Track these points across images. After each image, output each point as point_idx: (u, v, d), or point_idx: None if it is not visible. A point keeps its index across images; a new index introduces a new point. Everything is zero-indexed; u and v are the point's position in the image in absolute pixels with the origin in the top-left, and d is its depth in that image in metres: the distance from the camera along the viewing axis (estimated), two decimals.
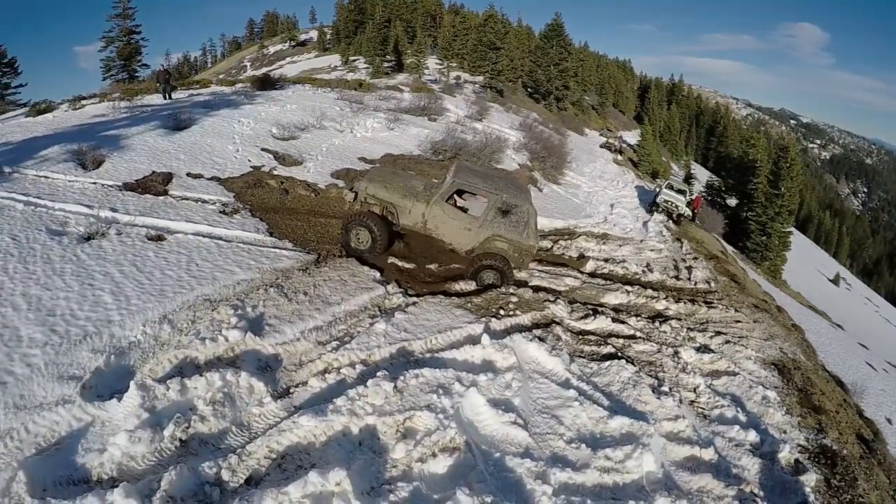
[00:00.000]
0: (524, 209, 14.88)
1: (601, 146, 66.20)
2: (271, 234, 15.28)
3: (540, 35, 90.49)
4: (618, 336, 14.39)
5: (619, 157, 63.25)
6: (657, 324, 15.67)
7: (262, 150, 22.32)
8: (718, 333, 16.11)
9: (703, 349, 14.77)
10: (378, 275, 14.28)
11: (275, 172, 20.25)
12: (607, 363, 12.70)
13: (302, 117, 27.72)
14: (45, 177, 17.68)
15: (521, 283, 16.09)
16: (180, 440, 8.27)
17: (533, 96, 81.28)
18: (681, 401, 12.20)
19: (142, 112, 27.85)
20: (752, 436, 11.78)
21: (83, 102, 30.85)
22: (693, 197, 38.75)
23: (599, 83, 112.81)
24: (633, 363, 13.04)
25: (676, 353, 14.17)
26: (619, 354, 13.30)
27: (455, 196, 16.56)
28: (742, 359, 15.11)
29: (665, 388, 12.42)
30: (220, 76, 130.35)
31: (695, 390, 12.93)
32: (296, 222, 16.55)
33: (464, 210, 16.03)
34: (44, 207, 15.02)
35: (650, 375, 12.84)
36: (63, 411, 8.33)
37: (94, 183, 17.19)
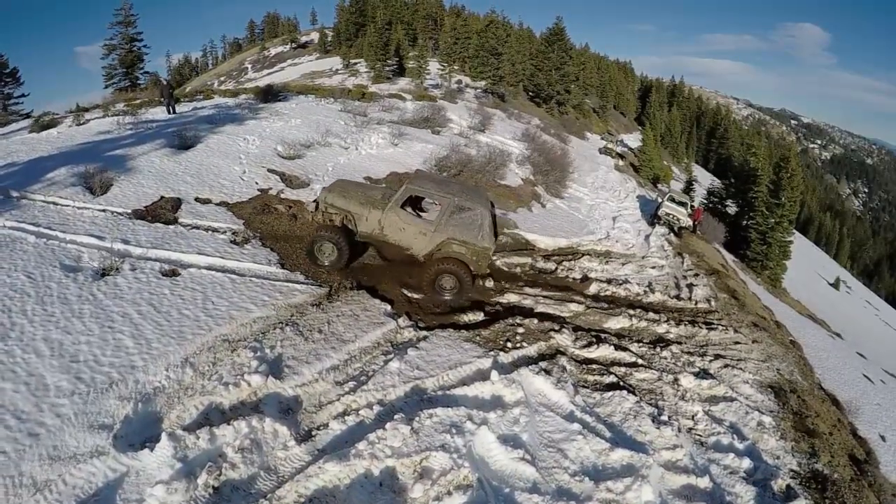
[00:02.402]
0: (478, 212, 15.15)
1: (601, 151, 66.00)
2: (283, 266, 15.42)
3: (541, 38, 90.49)
4: (620, 364, 14.69)
5: (621, 163, 63.31)
6: (658, 349, 15.99)
7: (269, 171, 22.34)
8: (718, 357, 16.40)
9: (703, 374, 15.07)
10: (389, 307, 14.51)
11: (282, 196, 20.33)
12: (610, 393, 13.04)
13: (307, 134, 27.75)
14: (54, 203, 17.75)
15: (528, 312, 16.29)
16: (213, 488, 8.55)
17: (534, 100, 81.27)
18: (679, 429, 12.52)
19: (146, 128, 27.86)
20: (747, 463, 12.15)
21: (87, 117, 30.85)
22: (694, 209, 38.84)
23: (601, 85, 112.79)
24: (634, 392, 13.37)
25: (676, 379, 14.49)
26: (622, 384, 13.62)
27: (414, 206, 16.97)
28: (740, 383, 15.43)
29: (664, 417, 12.77)
30: (221, 77, 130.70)
31: (693, 417, 13.27)
32: (302, 249, 16.52)
33: (420, 216, 16.34)
34: (55, 240, 15.09)
35: (650, 404, 13.18)
36: (98, 463, 8.53)
37: (104, 210, 17.28)
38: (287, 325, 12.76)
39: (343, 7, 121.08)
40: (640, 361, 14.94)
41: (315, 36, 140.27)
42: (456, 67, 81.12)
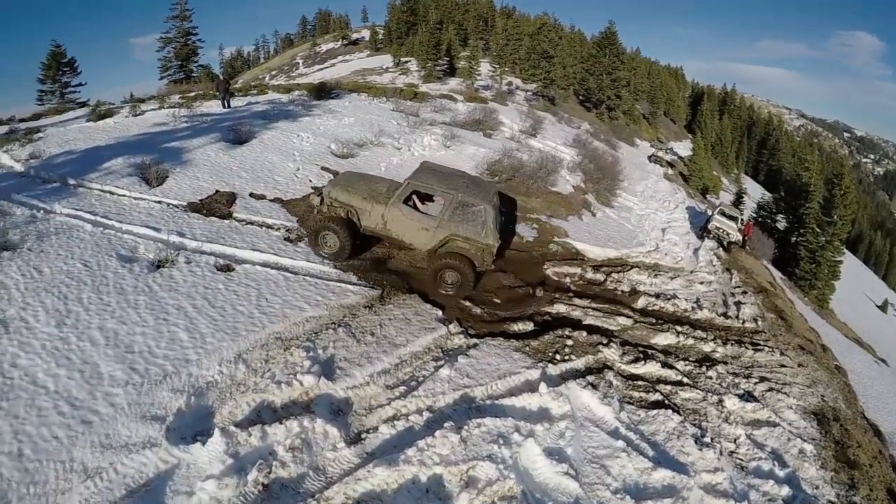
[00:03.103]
0: (481, 208, 15.08)
1: (650, 159, 65.07)
2: (335, 266, 15.46)
3: (593, 42, 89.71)
4: (666, 382, 14.45)
5: (670, 172, 62.40)
6: (704, 368, 15.64)
7: (323, 168, 22.37)
8: (763, 380, 16.04)
9: (747, 397, 14.73)
10: (440, 313, 14.47)
11: None
12: (654, 411, 12.86)
13: (360, 133, 27.77)
14: (111, 192, 17.99)
15: (577, 324, 16.10)
16: (263, 485, 8.69)
17: (584, 104, 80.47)
18: (721, 452, 12.30)
19: (202, 122, 28.17)
20: (786, 491, 11.90)
21: (143, 108, 31.22)
22: (745, 223, 38.08)
23: (651, 91, 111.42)
24: (678, 412, 13.14)
25: (720, 401, 14.19)
26: (667, 402, 13.40)
27: (424, 199, 17.22)
28: (784, 408, 15.05)
29: (707, 439, 12.53)
30: (273, 72, 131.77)
31: (735, 441, 13.00)
32: (361, 250, 16.58)
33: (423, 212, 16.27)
34: (112, 229, 15.37)
35: (694, 425, 12.95)
36: (150, 454, 8.71)
37: (160, 202, 17.51)
38: (339, 325, 12.82)
39: (394, 5, 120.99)
40: (685, 380, 14.69)
41: (366, 33, 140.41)
42: (507, 69, 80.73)
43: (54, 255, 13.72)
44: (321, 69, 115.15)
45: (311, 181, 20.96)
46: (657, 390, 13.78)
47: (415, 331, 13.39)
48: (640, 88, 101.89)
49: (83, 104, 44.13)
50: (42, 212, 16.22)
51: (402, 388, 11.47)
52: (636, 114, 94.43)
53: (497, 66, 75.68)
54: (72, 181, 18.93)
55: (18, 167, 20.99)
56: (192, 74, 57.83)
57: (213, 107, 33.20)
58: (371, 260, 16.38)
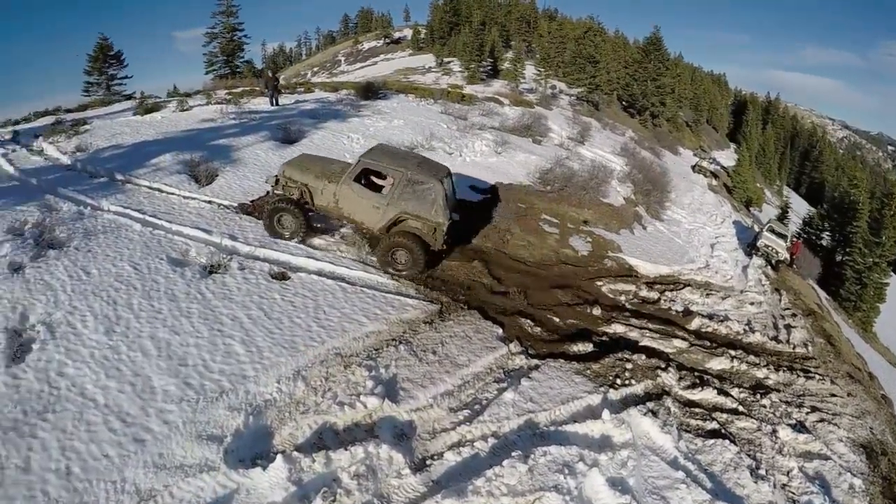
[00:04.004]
0: (430, 186, 14.96)
1: (693, 168, 63.91)
2: (392, 276, 15.02)
3: (637, 47, 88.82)
4: (721, 409, 13.96)
5: (714, 183, 61.30)
6: (758, 396, 15.22)
7: None
8: (814, 409, 15.54)
9: (799, 427, 14.32)
10: (500, 331, 13.95)
11: None
12: (711, 441, 12.40)
13: (411, 136, 27.33)
14: (159, 190, 17.80)
15: (633, 345, 15.63)
16: None
17: (627, 110, 79.68)
18: (774, 485, 11.89)
19: (250, 119, 28.01)
20: None
21: (190, 103, 30.97)
22: (793, 241, 37.03)
23: (694, 98, 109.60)
24: (735, 442, 12.71)
25: (774, 431, 13.73)
26: (723, 431, 12.97)
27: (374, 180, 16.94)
28: (834, 440, 14.55)
29: (762, 471, 12.13)
30: (315, 68, 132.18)
31: (788, 473, 12.60)
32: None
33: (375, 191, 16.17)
34: (161, 230, 15.07)
35: (749, 455, 12.51)
36: (208, 478, 8.31)
37: (210, 202, 17.25)
38: (400, 342, 12.33)
39: (437, 5, 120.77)
40: (740, 408, 14.22)
41: (408, 32, 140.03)
42: (551, 72, 80.00)
43: (102, 256, 13.40)
44: (363, 67, 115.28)
45: None
46: (713, 418, 13.35)
47: (476, 350, 12.86)
48: (683, 95, 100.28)
49: (129, 97, 44.43)
50: (89, 208, 16.00)
51: (466, 412, 11.01)
52: (679, 121, 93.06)
53: (542, 70, 75.05)
54: (119, 177, 18.68)
55: (65, 160, 20.88)
56: (238, 70, 58.02)
57: (261, 104, 33.04)
58: (428, 273, 15.85)
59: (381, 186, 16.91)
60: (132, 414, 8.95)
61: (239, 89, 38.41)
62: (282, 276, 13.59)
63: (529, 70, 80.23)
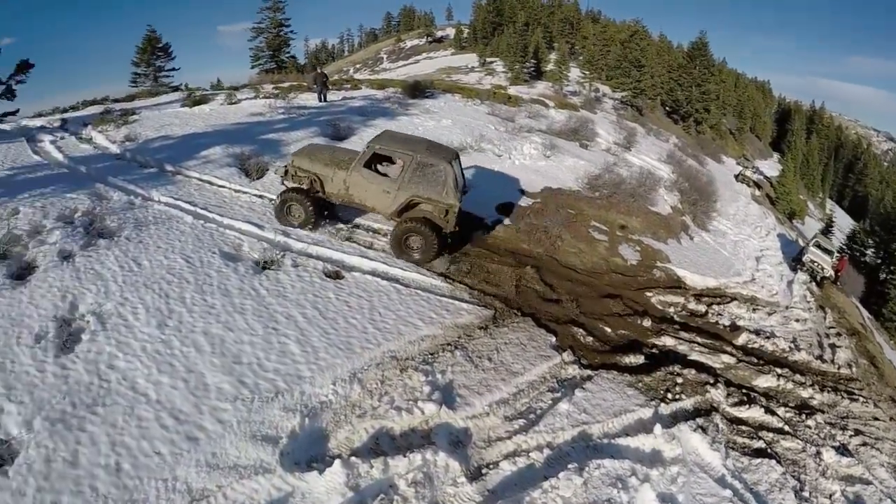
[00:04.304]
0: (441, 168, 14.91)
1: (737, 178, 62.87)
2: (447, 279, 14.77)
3: (682, 53, 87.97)
4: (768, 428, 13.60)
5: (757, 193, 60.33)
6: (803, 416, 14.82)
7: None
8: (858, 433, 15.07)
9: (842, 450, 13.90)
10: (553, 339, 13.67)
11: None
12: (758, 460, 12.06)
13: (460, 136, 27.06)
14: (210, 182, 17.77)
15: (682, 359, 15.33)
16: None
17: (671, 116, 78.90)
18: None
19: (299, 114, 28.00)
20: None
21: (238, 97, 31.11)
22: (838, 258, 36.19)
23: (738, 105, 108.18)
24: (780, 462, 12.40)
25: (818, 453, 13.34)
26: (769, 451, 12.65)
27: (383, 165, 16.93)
28: (876, 465, 14.06)
29: (805, 493, 11.80)
30: (357, 65, 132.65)
31: (830, 497, 12.22)
32: (468, 265, 15.99)
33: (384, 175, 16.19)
34: (213, 223, 15.03)
35: (794, 477, 12.17)
36: (263, 480, 8.12)
37: (261, 196, 17.17)
38: (456, 348, 12.08)
39: (480, 5, 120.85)
40: (786, 428, 13.89)
41: (451, 31, 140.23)
42: (595, 75, 79.41)
43: (154, 248, 13.37)
44: (405, 65, 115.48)
45: None
46: (760, 437, 13.03)
47: (531, 358, 12.57)
48: (727, 102, 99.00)
49: (175, 88, 45.09)
50: (140, 199, 16.07)
51: (521, 421, 10.76)
52: (723, 129, 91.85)
53: (587, 73, 74.54)
54: (169, 168, 18.68)
55: (114, 149, 21.06)
56: (283, 65, 58.44)
57: (309, 100, 33.13)
58: (481, 278, 15.60)
59: (389, 170, 16.86)
60: (185, 411, 8.77)
61: (286, 84, 38.62)
62: (336, 275, 13.41)
63: (574, 72, 79.71)
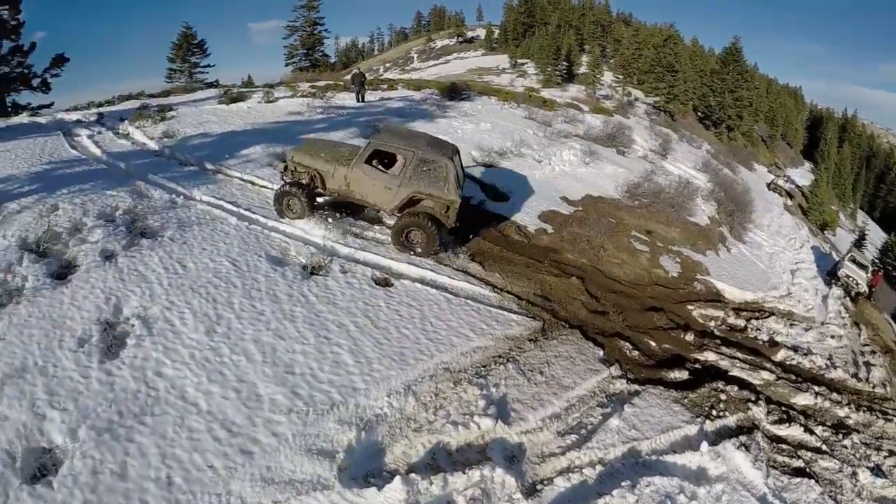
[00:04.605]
0: (442, 164, 14.83)
1: (769, 186, 62.10)
2: (494, 288, 14.53)
3: (715, 58, 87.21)
4: (806, 447, 13.42)
5: (789, 202, 59.59)
6: (840, 436, 14.62)
7: (468, 177, 21.32)
8: (892, 454, 14.79)
9: (877, 471, 13.68)
10: (601, 353, 13.51)
11: (484, 207, 19.51)
12: (797, 479, 11.92)
13: (500, 141, 26.92)
14: (252, 182, 17.77)
15: (726, 376, 15.12)
16: None
17: (703, 122, 78.25)
18: None
19: (338, 114, 27.94)
20: None
21: (276, 95, 31.06)
22: (873, 272, 35.54)
23: (769, 111, 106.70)
24: (819, 482, 12.25)
25: (854, 473, 13.17)
26: (808, 470, 12.53)
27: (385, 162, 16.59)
28: None
29: None
30: (387, 64, 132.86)
31: None
32: (515, 274, 15.72)
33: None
34: (258, 225, 14.88)
35: (831, 497, 12.02)
36: (321, 496, 7.91)
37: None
38: (508, 360, 11.86)
39: (511, 6, 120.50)
40: (823, 447, 13.70)
41: (481, 32, 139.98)
42: (629, 80, 78.85)
43: (199, 249, 13.18)
44: (436, 65, 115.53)
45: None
46: (799, 456, 12.86)
47: (580, 372, 12.38)
48: (759, 109, 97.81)
49: (211, 85, 45.30)
50: (182, 197, 15.94)
51: (573, 437, 10.60)
52: (755, 136, 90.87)
53: (621, 77, 74.07)
54: (209, 166, 18.61)
55: (152, 145, 21.07)
56: (317, 63, 58.68)
57: (346, 99, 33.12)
58: (528, 288, 15.34)
59: (392, 167, 16.73)
60: (238, 423, 8.54)
61: (322, 83, 38.62)
62: (385, 283, 13.22)
63: (608, 77, 79.27)
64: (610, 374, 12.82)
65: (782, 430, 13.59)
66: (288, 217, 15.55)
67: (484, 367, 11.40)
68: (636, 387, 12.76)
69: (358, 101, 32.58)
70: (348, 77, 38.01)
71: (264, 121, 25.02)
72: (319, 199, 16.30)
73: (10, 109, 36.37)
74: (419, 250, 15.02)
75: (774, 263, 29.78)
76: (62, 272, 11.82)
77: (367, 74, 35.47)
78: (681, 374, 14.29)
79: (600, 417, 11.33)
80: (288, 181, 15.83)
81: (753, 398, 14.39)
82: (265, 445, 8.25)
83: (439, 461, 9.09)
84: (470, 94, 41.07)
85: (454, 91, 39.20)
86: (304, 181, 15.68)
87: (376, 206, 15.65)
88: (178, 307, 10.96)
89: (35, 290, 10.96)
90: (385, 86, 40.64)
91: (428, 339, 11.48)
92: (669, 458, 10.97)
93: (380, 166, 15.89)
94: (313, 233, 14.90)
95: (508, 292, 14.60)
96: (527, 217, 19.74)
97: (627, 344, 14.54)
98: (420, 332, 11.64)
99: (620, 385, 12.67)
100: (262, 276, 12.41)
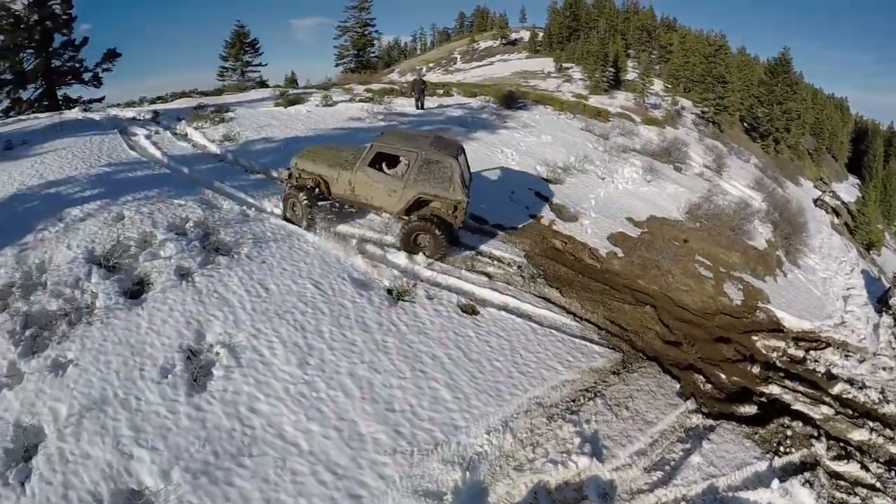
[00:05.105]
0: (447, 163, 14.60)
1: (815, 203, 60.96)
2: (575, 317, 14.34)
3: (763, 68, 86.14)
4: (862, 485, 13.18)
5: (836, 220, 58.61)
6: (892, 473, 14.21)
7: (536, 194, 21.39)
8: None
9: None
10: (678, 386, 13.42)
11: (555, 228, 19.26)
12: None
13: (563, 155, 26.72)
14: None
15: (789, 411, 14.93)
16: None
17: (749, 133, 77.32)
18: None
19: (400, 122, 27.79)
20: None
21: (334, 99, 31.04)
22: None
23: (815, 123, 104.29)
24: None
25: None
26: None
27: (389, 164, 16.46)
28: None
29: None
30: (430, 64, 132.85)
31: None
32: (592, 301, 15.52)
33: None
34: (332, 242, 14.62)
35: None
36: None
37: (379, 214, 16.74)
38: (595, 395, 11.76)
39: (555, 9, 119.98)
40: (877, 485, 13.44)
41: (524, 34, 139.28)
42: (678, 89, 78.06)
43: (279, 270, 12.86)
44: (479, 66, 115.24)
45: (527, 208, 19.97)
46: (856, 493, 12.66)
47: (661, 406, 12.27)
48: (805, 121, 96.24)
49: (262, 83, 45.54)
50: (253, 210, 15.80)
51: (659, 473, 10.54)
52: (801, 148, 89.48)
53: (671, 87, 73.39)
54: (276, 174, 18.58)
55: (214, 148, 21.08)
56: (368, 65, 58.93)
57: (405, 105, 32.99)
58: (606, 316, 15.18)
59: (395, 169, 16.59)
60: (342, 464, 8.34)
61: (376, 86, 38.52)
62: (472, 311, 12.98)
63: (658, 85, 78.55)
64: (686, 409, 12.77)
65: (841, 467, 13.48)
66: (296, 221, 15.52)
67: (573, 401, 11.31)
68: (711, 421, 12.70)
69: (417, 108, 32.46)
70: (393, 76, 38.02)
71: (326, 126, 24.95)
72: (322, 203, 16.15)
73: (60, 103, 36.90)
74: (427, 252, 14.95)
75: (828, 289, 29.29)
76: (135, 290, 11.55)
77: (425, 81, 35.22)
78: (750, 409, 14.18)
79: (681, 453, 11.29)
80: (292, 185, 15.87)
81: (815, 434, 14.27)
82: (373, 489, 8.08)
83: (540, 500, 8.99)
84: (525, 103, 40.80)
85: (510, 99, 39.05)
86: (308, 185, 15.67)
87: (382, 209, 15.63)
88: (265, 335, 10.68)
89: (108, 311, 10.70)
90: (440, 91, 40.48)
91: (520, 372, 11.31)
92: (743, 495, 10.93)
93: (384, 169, 15.92)
94: (396, 256, 14.72)
95: (587, 321, 14.43)
96: (597, 239, 19.55)
97: (700, 376, 14.43)
98: (512, 364, 11.46)
99: (696, 419, 12.61)
100: (349, 301, 12.12)
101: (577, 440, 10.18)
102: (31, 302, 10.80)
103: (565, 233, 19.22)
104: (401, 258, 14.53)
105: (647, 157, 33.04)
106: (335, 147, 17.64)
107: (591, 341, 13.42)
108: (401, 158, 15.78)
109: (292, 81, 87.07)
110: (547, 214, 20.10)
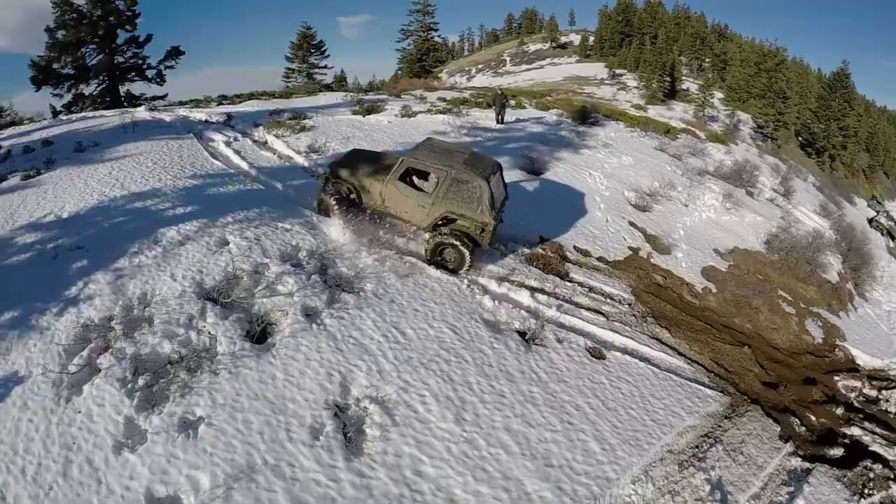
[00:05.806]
0: (476, 184, 14.56)
1: (870, 223, 59.58)
2: (686, 359, 14.70)
3: (820, 82, 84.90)
4: None
5: (891, 244, 57.62)
6: None
7: (630, 224, 21.51)
8: None
9: None
10: (778, 429, 13.71)
11: (653, 261, 19.46)
12: None
13: (647, 180, 26.74)
14: None
15: (869, 453, 14.89)
16: None
17: (805, 149, 76.32)
18: None
19: (485, 138, 27.72)
20: None
21: (414, 109, 31.03)
22: None
23: (869, 138, 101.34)
24: None
25: None
26: None
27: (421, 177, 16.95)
28: None
29: None
30: (479, 66, 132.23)
31: None
32: (698, 342, 15.78)
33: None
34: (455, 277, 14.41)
35: None
36: None
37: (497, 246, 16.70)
38: (715, 441, 12.10)
39: (607, 13, 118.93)
40: None
41: (574, 38, 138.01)
42: (738, 103, 77.16)
43: (410, 310, 12.32)
44: (529, 69, 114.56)
45: (625, 239, 20.03)
46: None
47: (767, 450, 12.62)
48: (860, 137, 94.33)
49: (328, 87, 45.96)
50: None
51: None
52: (855, 165, 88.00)
53: (732, 101, 72.57)
54: None
55: (300, 160, 20.73)
56: (429, 70, 58.92)
57: (483, 118, 32.72)
58: (711, 358, 15.42)
59: (426, 183, 16.93)
60: None
61: (448, 96, 38.62)
62: (599, 355, 13.21)
63: (717, 98, 77.71)
64: (786, 451, 13.07)
65: None
66: (327, 214, 15.80)
67: (696, 447, 11.61)
68: (807, 464, 12.96)
69: (498, 122, 32.35)
70: (442, 76, 37.99)
71: (411, 140, 24.39)
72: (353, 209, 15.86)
73: (123, 99, 37.72)
74: (451, 267, 15.09)
75: (893, 324, 29.11)
76: (258, 332, 10.80)
77: (506, 95, 35.28)
78: (838, 451, 14.39)
79: (787, 496, 11.59)
80: (329, 190, 16.02)
81: (892, 476, 14.37)
82: None
83: None
84: (598, 118, 40.69)
85: (585, 115, 39.01)
86: (342, 191, 15.87)
87: (411, 222, 15.73)
88: (414, 387, 10.26)
89: (234, 358, 10.01)
90: (513, 103, 40.34)
91: (652, 420, 11.61)
92: None
93: (415, 182, 16.34)
94: (519, 293, 14.70)
95: (696, 362, 14.74)
96: (692, 273, 19.68)
97: (795, 419, 14.68)
98: (644, 412, 11.73)
99: (795, 462, 12.90)
100: (488, 347, 11.85)
101: (707, 487, 10.57)
102: (138, 342, 10.08)
103: (663, 266, 19.42)
104: (524, 296, 14.64)
105: (721, 179, 33.04)
106: (373, 153, 17.91)
107: (703, 384, 13.76)
108: (431, 175, 16.19)
109: (341, 80, 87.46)
110: (643, 246, 20.23)
